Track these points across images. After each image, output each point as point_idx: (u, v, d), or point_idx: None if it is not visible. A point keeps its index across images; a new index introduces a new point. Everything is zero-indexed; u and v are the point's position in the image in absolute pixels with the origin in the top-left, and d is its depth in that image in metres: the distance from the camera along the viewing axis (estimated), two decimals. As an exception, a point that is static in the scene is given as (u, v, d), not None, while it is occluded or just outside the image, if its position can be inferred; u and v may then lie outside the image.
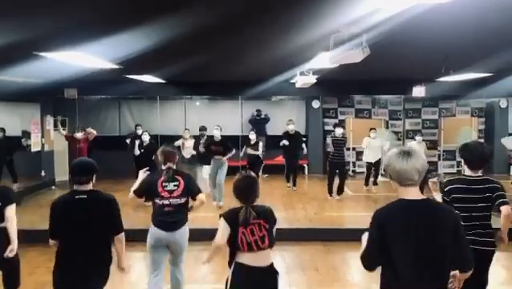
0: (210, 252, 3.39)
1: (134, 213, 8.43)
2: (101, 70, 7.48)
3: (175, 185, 4.32)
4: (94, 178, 3.45)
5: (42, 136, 11.88)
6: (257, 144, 10.13)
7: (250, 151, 10.14)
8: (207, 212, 7.84)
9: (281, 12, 3.99)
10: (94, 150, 9.92)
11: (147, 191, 4.38)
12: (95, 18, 4.16)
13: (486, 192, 3.67)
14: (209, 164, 9.47)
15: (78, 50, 5.66)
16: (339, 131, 9.88)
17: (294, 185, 10.80)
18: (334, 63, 5.24)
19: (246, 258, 3.18)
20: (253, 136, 10.23)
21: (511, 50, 6.03)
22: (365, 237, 2.52)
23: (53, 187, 11.81)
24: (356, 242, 7.48)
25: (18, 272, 4.25)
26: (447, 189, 3.74)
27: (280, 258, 6.38)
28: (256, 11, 3.98)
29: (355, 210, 8.97)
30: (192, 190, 4.44)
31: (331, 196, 9.83)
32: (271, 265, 3.28)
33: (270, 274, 3.26)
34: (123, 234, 3.49)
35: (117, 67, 7.18)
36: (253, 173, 3.46)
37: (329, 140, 10.15)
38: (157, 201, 4.32)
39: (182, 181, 4.36)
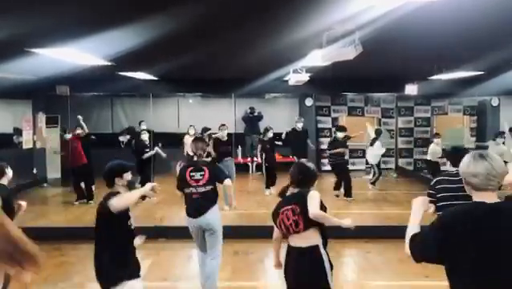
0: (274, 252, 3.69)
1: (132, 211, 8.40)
2: (93, 67, 7.44)
3: (201, 175, 4.67)
4: (119, 179, 3.56)
5: (34, 134, 11.81)
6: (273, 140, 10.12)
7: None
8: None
9: (274, 10, 3.99)
10: (90, 149, 9.87)
11: (181, 183, 4.71)
12: (87, 15, 4.14)
13: None
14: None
15: (70, 47, 5.63)
16: (340, 135, 9.74)
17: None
18: (327, 60, 5.25)
19: (289, 239, 3.42)
20: (270, 134, 10.12)
21: (502, 49, 6.07)
22: (419, 206, 2.42)
23: (45, 184, 11.75)
24: (350, 240, 7.46)
25: None
26: None
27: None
28: (249, 9, 3.98)
29: (350, 208, 8.99)
30: (218, 177, 4.79)
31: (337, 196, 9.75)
32: (311, 247, 3.33)
33: (308, 254, 3.33)
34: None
35: (109, 63, 7.14)
36: (305, 160, 3.90)
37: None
38: (186, 190, 4.67)
39: (207, 171, 4.68)
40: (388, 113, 14.22)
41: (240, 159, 10.27)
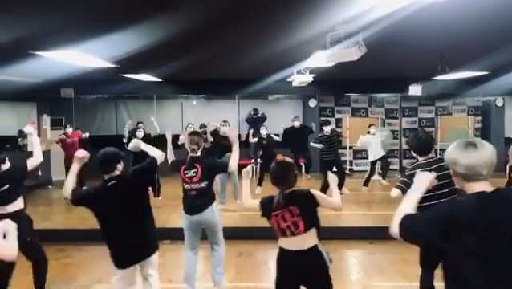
0: (246, 193, 3.63)
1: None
2: (98, 69, 7.47)
3: (194, 172, 4.61)
4: (121, 165, 3.73)
5: (39, 136, 11.83)
6: (270, 137, 10.10)
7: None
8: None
9: (277, 11, 3.99)
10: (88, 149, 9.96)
11: (175, 168, 4.71)
12: (91, 17, 4.15)
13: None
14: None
15: (74, 49, 5.65)
16: (326, 128, 9.49)
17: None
18: (330, 61, 5.25)
19: (283, 242, 3.28)
20: (263, 132, 10.16)
21: (507, 49, 6.05)
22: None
23: (50, 186, 11.78)
24: (354, 240, 7.45)
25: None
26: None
27: (277, 256, 6.40)
28: (252, 10, 3.98)
29: (353, 209, 8.97)
30: (212, 173, 4.70)
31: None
32: (310, 248, 3.22)
33: (309, 256, 3.23)
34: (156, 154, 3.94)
35: (113, 65, 7.17)
36: (289, 159, 3.42)
37: (315, 142, 9.72)
38: (184, 185, 4.68)
39: (199, 167, 4.60)
40: (392, 114, 14.19)
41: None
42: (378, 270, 5.81)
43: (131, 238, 3.62)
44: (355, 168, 14.04)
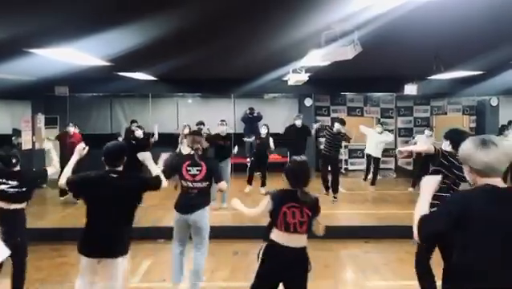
0: (243, 210, 3.60)
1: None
2: (92, 67, 7.43)
3: (198, 170, 4.61)
4: (124, 160, 3.79)
5: (33, 134, 11.79)
6: (267, 138, 10.07)
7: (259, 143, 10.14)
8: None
9: (272, 9, 3.98)
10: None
11: (174, 171, 4.67)
12: (86, 15, 4.13)
13: None
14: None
15: (68, 47, 5.62)
16: (337, 126, 9.44)
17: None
18: (326, 60, 5.25)
19: (280, 237, 3.32)
20: (264, 131, 10.18)
21: (502, 48, 6.07)
22: (426, 190, 2.36)
23: (44, 185, 11.72)
24: (349, 240, 7.44)
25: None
26: None
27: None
28: (248, 8, 3.97)
29: (349, 208, 8.98)
30: (215, 175, 4.69)
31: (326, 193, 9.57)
32: (303, 247, 3.38)
33: (300, 254, 3.37)
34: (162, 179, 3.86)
35: (108, 64, 7.14)
36: (304, 158, 3.57)
37: (317, 125, 10.26)
38: (183, 183, 4.65)
39: (205, 166, 4.60)
40: (388, 113, 14.22)
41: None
42: (373, 270, 5.81)
43: (104, 228, 3.62)
44: (350, 167, 14.07)
